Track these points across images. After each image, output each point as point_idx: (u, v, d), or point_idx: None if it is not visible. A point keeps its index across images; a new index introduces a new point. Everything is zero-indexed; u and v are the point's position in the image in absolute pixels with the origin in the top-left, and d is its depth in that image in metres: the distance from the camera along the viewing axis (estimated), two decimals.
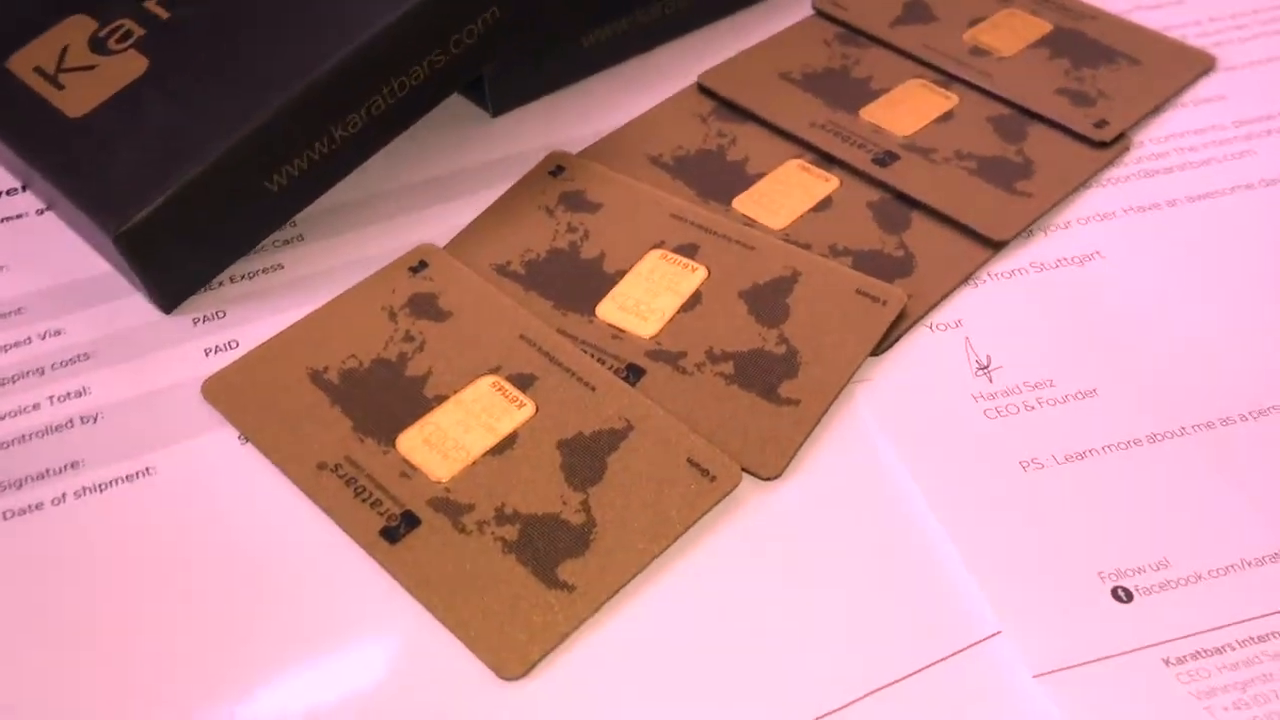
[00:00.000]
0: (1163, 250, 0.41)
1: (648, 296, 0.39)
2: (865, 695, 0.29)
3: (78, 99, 0.39)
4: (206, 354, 0.37)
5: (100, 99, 0.39)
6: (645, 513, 0.33)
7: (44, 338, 0.37)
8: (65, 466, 0.34)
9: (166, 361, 0.37)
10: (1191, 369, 0.37)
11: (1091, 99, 0.46)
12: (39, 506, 0.33)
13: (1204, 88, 0.48)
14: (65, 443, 0.35)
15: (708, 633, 0.31)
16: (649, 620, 0.31)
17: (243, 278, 0.39)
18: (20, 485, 0.33)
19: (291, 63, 0.38)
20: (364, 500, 0.33)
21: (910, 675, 0.30)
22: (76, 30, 0.41)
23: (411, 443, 0.34)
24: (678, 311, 0.38)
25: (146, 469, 0.34)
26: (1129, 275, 0.40)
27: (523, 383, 0.36)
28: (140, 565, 0.32)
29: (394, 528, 0.32)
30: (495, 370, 0.36)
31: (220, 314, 0.38)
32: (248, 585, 0.31)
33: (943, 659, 0.30)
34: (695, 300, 0.39)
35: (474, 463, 0.34)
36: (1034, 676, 0.30)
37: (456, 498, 0.33)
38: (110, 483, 0.34)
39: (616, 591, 0.31)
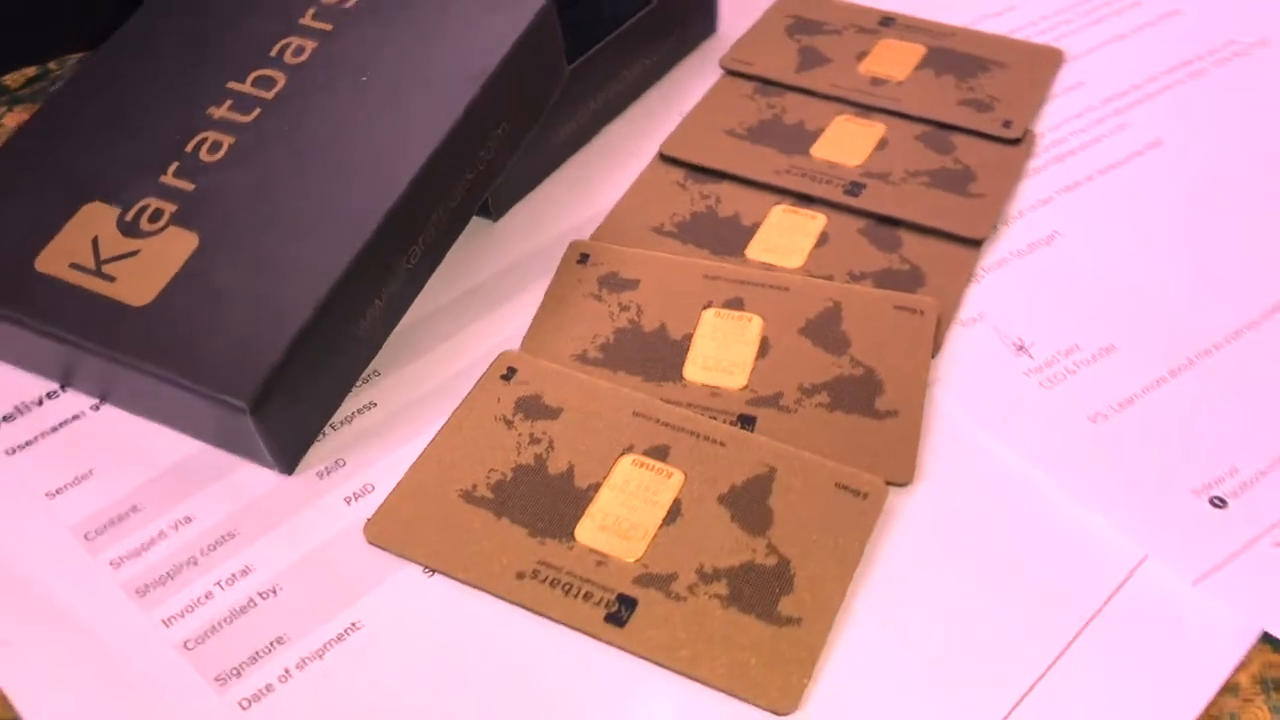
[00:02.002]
0: (1102, 218, 0.48)
1: (722, 353, 0.42)
2: (1067, 647, 0.34)
3: (137, 287, 0.38)
4: (348, 502, 0.38)
5: (163, 282, 0.38)
6: (825, 539, 0.36)
7: (177, 528, 0.37)
8: (272, 644, 0.34)
9: (314, 520, 0.37)
10: (1171, 310, 0.45)
11: (988, 105, 0.53)
12: (270, 688, 0.33)
13: (1064, 78, 0.56)
14: (260, 622, 0.34)
15: (921, 631, 0.35)
16: (872, 632, 0.35)
17: (342, 423, 0.40)
18: (239, 673, 0.33)
19: (353, 207, 0.39)
20: (575, 596, 0.35)
21: (1097, 613, 0.35)
22: (98, 219, 0.40)
23: (590, 533, 0.37)
24: (756, 359, 0.42)
25: (352, 625, 0.35)
26: (1089, 244, 0.47)
27: (660, 454, 0.39)
28: (397, 713, 0.33)
29: (616, 613, 0.35)
30: (629, 450, 0.39)
31: (340, 463, 0.39)
32: (506, 705, 0.33)
33: (1116, 589, 0.36)
34: (765, 347, 0.43)
35: (654, 536, 0.37)
36: (1193, 584, 0.36)
37: (656, 570, 0.36)
38: (325, 647, 0.34)
39: (837, 612, 0.35)
